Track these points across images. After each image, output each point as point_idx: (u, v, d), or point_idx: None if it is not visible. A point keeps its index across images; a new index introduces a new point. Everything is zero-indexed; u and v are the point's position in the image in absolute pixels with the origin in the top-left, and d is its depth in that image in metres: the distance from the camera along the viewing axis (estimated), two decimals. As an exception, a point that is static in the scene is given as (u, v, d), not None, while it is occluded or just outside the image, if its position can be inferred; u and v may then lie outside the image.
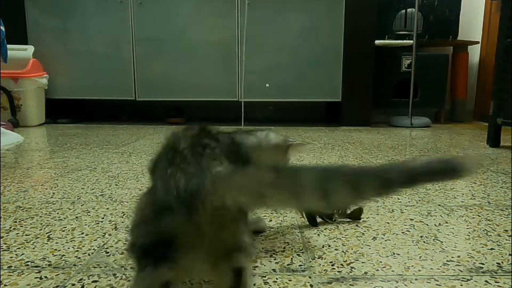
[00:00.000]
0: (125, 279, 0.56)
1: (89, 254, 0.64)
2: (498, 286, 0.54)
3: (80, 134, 2.20)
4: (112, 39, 2.66)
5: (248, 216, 0.56)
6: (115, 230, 0.75)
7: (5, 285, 0.54)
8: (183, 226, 0.39)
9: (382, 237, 0.72)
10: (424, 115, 2.81)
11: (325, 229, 0.76)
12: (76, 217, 0.82)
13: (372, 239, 0.71)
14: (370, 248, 0.67)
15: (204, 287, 0.54)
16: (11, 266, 0.60)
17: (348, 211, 0.81)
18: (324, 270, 0.59)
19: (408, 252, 0.65)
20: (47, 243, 0.68)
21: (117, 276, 0.56)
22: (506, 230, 0.76)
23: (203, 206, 0.37)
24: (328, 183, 0.35)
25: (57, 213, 0.85)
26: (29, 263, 0.61)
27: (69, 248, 0.66)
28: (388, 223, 0.79)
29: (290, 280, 0.56)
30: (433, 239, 0.71)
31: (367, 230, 0.75)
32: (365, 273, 0.58)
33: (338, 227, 0.77)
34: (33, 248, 0.66)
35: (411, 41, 2.69)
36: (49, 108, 2.68)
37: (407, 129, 2.61)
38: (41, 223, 0.78)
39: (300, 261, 0.62)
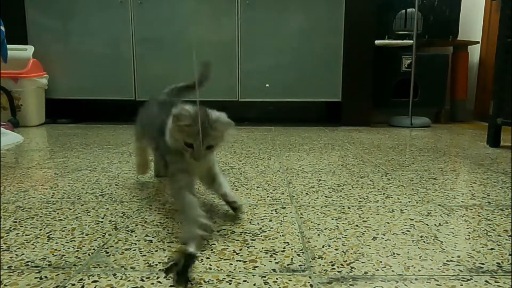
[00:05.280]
0: (125, 279, 0.56)
1: (89, 254, 0.64)
2: (498, 286, 0.54)
3: (80, 134, 2.20)
4: (112, 39, 2.66)
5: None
6: (115, 230, 0.75)
7: (5, 285, 0.54)
8: None
9: (382, 237, 0.72)
10: (424, 115, 2.81)
11: (325, 229, 0.76)
12: (76, 217, 0.82)
13: (372, 239, 0.71)
14: (370, 248, 0.67)
15: (204, 286, 0.54)
16: (11, 266, 0.60)
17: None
18: (324, 270, 0.59)
19: (408, 252, 0.65)
20: (47, 243, 0.68)
21: (117, 276, 0.56)
22: (506, 230, 0.76)
23: None
24: None
25: (57, 213, 0.85)
26: (29, 263, 0.61)
27: (69, 248, 0.66)
28: (388, 223, 0.79)
29: (290, 280, 0.56)
30: (433, 239, 0.71)
31: (367, 230, 0.75)
32: (365, 273, 0.58)
33: (338, 227, 0.77)
34: (33, 248, 0.66)
35: (411, 41, 2.69)
36: (49, 108, 2.68)
37: (407, 129, 2.61)
38: (41, 223, 0.78)
39: (300, 261, 0.62)
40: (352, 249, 0.66)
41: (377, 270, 0.59)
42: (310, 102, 2.84)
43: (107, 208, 0.88)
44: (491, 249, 0.67)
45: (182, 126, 0.71)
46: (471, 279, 0.56)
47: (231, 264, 0.61)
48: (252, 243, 0.69)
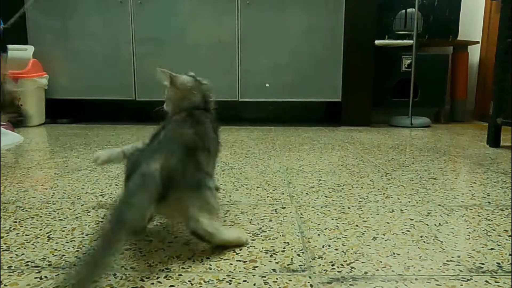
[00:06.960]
0: (125, 279, 0.56)
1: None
2: (498, 286, 0.54)
3: (80, 134, 2.20)
4: (112, 39, 2.66)
5: None
6: (115, 230, 0.75)
7: (5, 285, 0.54)
8: None
9: (382, 237, 0.72)
10: (424, 115, 2.81)
11: (325, 229, 0.76)
12: (76, 217, 0.82)
13: (372, 239, 0.71)
14: (370, 248, 0.67)
15: (204, 286, 0.54)
16: (11, 266, 0.60)
17: None
18: (324, 270, 0.59)
19: (408, 252, 0.65)
20: (47, 243, 0.68)
21: (117, 276, 0.56)
22: (506, 230, 0.76)
23: None
24: None
25: (57, 213, 0.85)
26: (29, 263, 0.61)
27: (69, 248, 0.66)
28: (388, 223, 0.79)
29: (290, 280, 0.56)
30: (433, 239, 0.71)
31: (367, 230, 0.75)
32: (365, 273, 0.58)
33: (338, 227, 0.77)
34: (33, 248, 0.66)
35: (411, 41, 2.69)
36: (49, 108, 2.68)
37: (407, 129, 2.61)
38: (41, 223, 0.78)
39: (300, 261, 0.62)
40: (352, 249, 0.66)
41: (377, 270, 0.59)
42: (310, 102, 2.84)
43: (107, 208, 0.88)
44: (491, 249, 0.67)
45: None
46: (471, 279, 0.56)
47: (231, 264, 0.61)
48: (252, 243, 0.69)
